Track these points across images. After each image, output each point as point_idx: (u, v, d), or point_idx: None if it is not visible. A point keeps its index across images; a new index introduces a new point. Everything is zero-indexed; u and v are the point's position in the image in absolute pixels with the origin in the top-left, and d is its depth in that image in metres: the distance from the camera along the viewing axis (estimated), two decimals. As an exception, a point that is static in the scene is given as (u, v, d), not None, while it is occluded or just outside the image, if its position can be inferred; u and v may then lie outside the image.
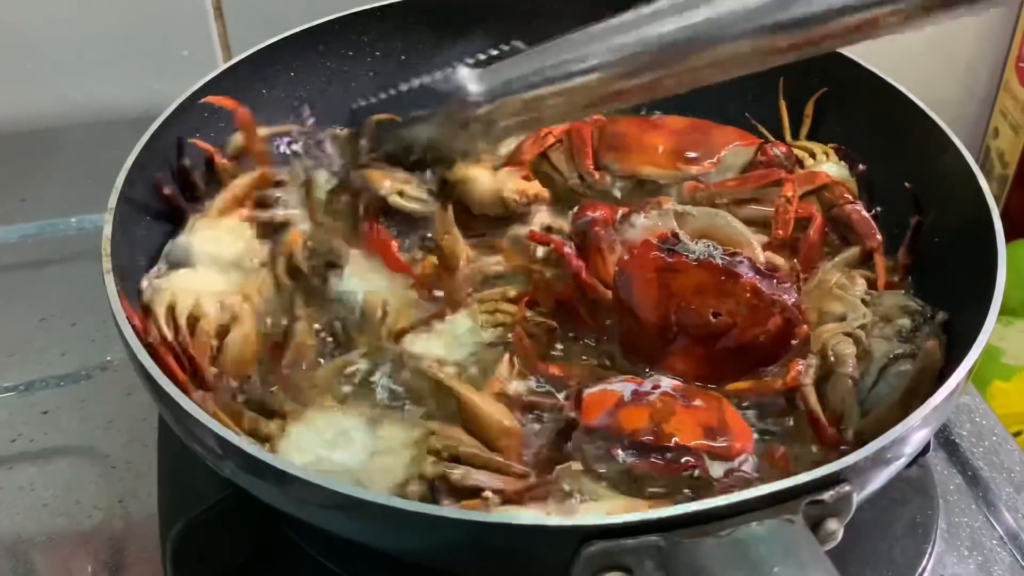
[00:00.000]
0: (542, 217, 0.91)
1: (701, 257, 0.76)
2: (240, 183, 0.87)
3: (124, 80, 1.28)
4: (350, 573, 0.75)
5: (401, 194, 0.86)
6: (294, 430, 0.70)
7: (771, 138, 1.00)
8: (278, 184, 0.89)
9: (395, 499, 0.58)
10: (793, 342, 0.78)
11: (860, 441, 0.65)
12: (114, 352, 0.96)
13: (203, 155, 0.91)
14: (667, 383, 0.75)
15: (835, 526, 0.58)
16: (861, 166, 0.95)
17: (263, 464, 0.60)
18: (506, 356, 0.78)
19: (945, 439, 0.88)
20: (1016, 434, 0.93)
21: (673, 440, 0.69)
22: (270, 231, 0.86)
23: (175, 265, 0.81)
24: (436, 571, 0.65)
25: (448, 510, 0.60)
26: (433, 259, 0.85)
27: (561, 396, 0.77)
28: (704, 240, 0.79)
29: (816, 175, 0.91)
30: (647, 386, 0.74)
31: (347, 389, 0.78)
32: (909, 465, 0.70)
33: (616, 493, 0.68)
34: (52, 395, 0.94)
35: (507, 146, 0.96)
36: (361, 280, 0.82)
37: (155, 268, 0.82)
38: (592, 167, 0.94)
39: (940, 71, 1.48)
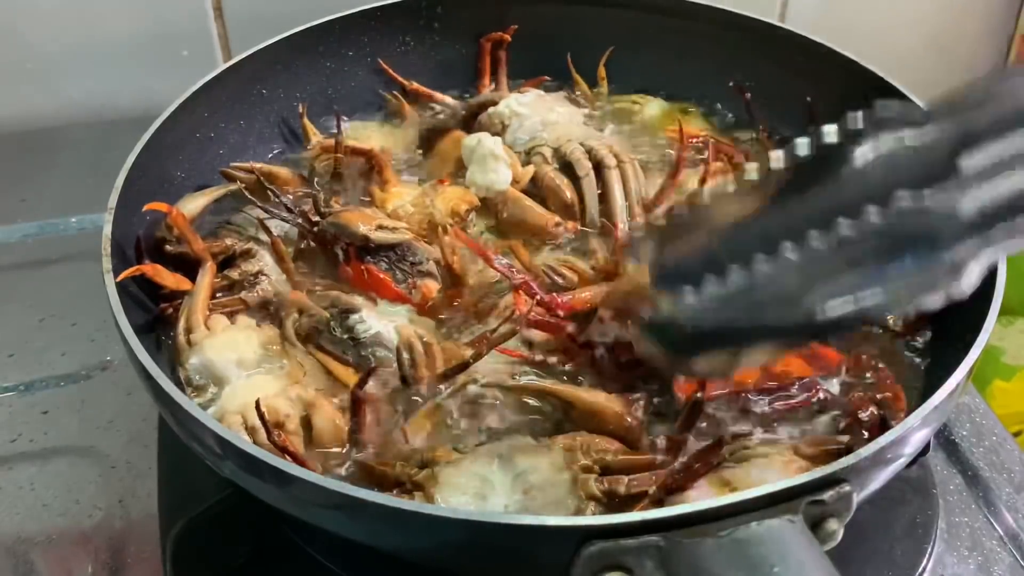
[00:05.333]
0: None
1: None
2: (201, 285, 0.81)
3: (124, 80, 1.28)
4: (350, 573, 0.75)
5: (379, 228, 0.85)
6: (439, 494, 0.67)
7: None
8: (245, 255, 0.86)
9: (395, 499, 0.58)
10: None
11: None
12: (114, 352, 0.96)
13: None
14: None
15: (835, 526, 0.58)
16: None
17: (263, 464, 0.60)
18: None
19: (945, 439, 0.88)
20: (1016, 434, 0.92)
21: (795, 379, 0.74)
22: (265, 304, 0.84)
23: (204, 387, 0.76)
24: (436, 571, 0.66)
25: (448, 510, 0.60)
26: (429, 283, 0.84)
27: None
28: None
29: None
30: None
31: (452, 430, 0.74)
32: (909, 465, 0.70)
33: (761, 451, 0.70)
34: (52, 395, 0.94)
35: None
36: (381, 317, 0.80)
37: (193, 398, 0.75)
38: None
39: (940, 71, 1.49)
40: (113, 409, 0.92)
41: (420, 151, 1.02)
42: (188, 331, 0.78)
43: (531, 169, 0.94)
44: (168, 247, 0.84)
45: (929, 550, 0.77)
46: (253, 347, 0.77)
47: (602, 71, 1.10)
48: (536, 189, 0.94)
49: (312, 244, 0.87)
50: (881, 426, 0.69)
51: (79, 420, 0.91)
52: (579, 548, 0.55)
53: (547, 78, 1.10)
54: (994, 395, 1.29)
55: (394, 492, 0.67)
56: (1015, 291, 1.03)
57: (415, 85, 1.08)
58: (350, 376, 0.77)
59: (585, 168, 0.93)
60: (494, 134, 0.97)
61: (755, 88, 1.03)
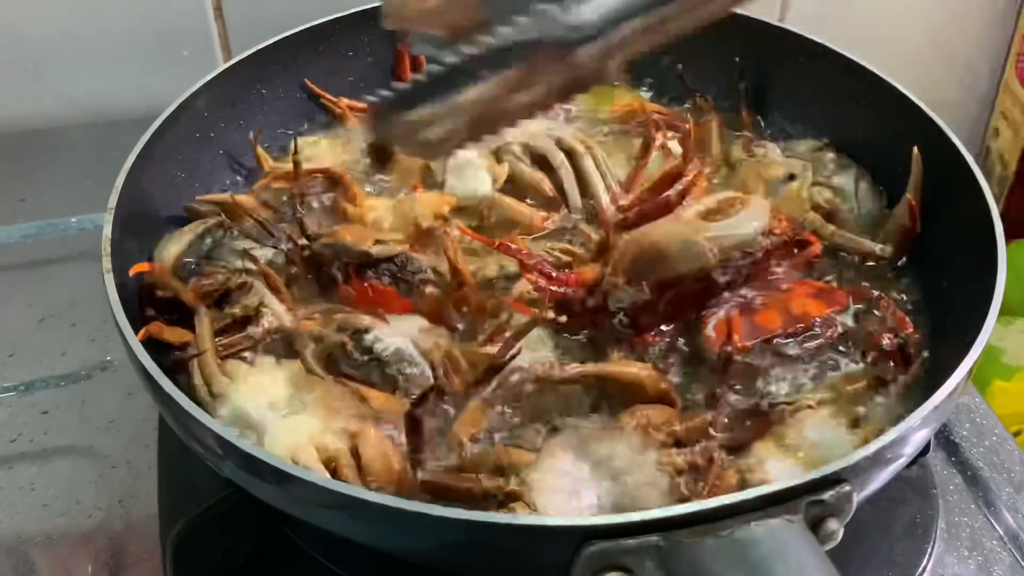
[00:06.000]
0: None
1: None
2: (203, 336, 0.77)
3: (124, 80, 1.28)
4: (350, 573, 0.75)
5: (376, 242, 0.83)
6: (538, 500, 0.65)
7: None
8: (242, 288, 0.82)
9: (395, 499, 0.58)
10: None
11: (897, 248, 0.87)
12: (114, 352, 0.96)
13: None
14: (740, 290, 0.80)
15: (835, 526, 0.58)
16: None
17: (263, 464, 0.60)
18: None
19: (945, 439, 0.88)
20: (1016, 434, 0.93)
21: (815, 319, 0.79)
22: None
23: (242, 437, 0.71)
24: (436, 571, 0.66)
25: (448, 510, 0.59)
26: (432, 291, 0.83)
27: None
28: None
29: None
30: (732, 301, 0.80)
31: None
32: (909, 465, 0.70)
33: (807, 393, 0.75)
34: (52, 395, 0.94)
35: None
36: (394, 333, 0.78)
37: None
38: None
39: (940, 71, 1.49)
40: (113, 409, 0.92)
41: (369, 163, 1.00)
42: (207, 384, 0.75)
43: (505, 167, 0.95)
44: (159, 292, 0.81)
45: (929, 550, 0.77)
46: (281, 386, 0.75)
47: None
48: (513, 187, 0.95)
49: (301, 269, 0.84)
50: (901, 351, 0.77)
51: (79, 420, 0.91)
52: (579, 548, 0.55)
53: None
54: (994, 395, 1.29)
55: (494, 508, 0.65)
56: (1015, 291, 1.04)
57: (345, 102, 1.04)
58: (381, 399, 0.75)
59: (558, 159, 0.95)
60: None
61: (754, 87, 1.04)
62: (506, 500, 0.65)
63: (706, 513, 0.55)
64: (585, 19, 0.59)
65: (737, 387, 0.76)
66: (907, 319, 0.80)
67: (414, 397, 0.72)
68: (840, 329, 0.80)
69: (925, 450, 0.79)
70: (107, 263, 0.74)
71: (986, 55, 1.48)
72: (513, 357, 0.73)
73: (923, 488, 0.81)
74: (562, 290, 0.78)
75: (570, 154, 0.95)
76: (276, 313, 0.81)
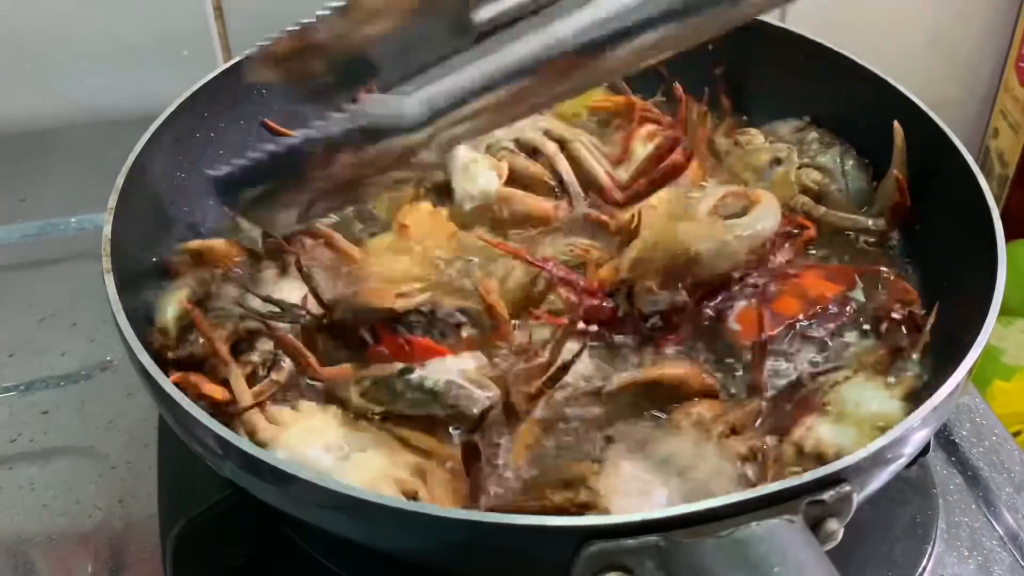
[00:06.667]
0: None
1: None
2: (240, 391, 0.74)
3: (124, 80, 1.28)
4: (350, 573, 0.75)
5: (399, 296, 0.79)
6: (612, 505, 0.65)
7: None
8: (253, 334, 0.78)
9: (395, 499, 0.58)
10: None
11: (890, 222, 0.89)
12: (114, 352, 0.96)
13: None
14: (750, 280, 0.82)
15: (835, 526, 0.58)
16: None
17: (263, 464, 0.60)
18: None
19: (945, 439, 0.88)
20: (1016, 434, 0.93)
21: (830, 299, 0.81)
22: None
23: None
24: (436, 571, 0.66)
25: (448, 510, 0.60)
26: (471, 331, 0.79)
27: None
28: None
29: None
30: (746, 291, 0.82)
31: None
32: (909, 465, 0.70)
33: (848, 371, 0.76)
34: (52, 395, 0.94)
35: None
36: (437, 372, 0.74)
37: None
38: None
39: (940, 71, 1.49)
40: (113, 409, 0.92)
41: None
42: (252, 434, 0.72)
43: (505, 163, 0.94)
44: (170, 354, 0.77)
45: (929, 550, 0.77)
46: (334, 429, 0.72)
47: None
48: (512, 183, 0.94)
49: (323, 338, 0.79)
50: (911, 318, 0.79)
51: (79, 420, 0.91)
52: (579, 548, 0.55)
53: None
54: (994, 395, 1.29)
55: None
56: (1015, 291, 1.04)
57: None
58: (434, 444, 0.73)
59: (551, 148, 0.94)
60: None
61: (755, 87, 1.04)
62: (579, 511, 0.65)
63: (706, 513, 0.55)
64: (409, 112, 0.64)
65: (770, 374, 0.77)
66: (910, 287, 0.83)
67: (470, 420, 0.71)
68: (854, 306, 0.82)
69: (925, 450, 0.79)
70: (107, 263, 0.74)
71: (986, 55, 1.48)
72: (567, 368, 0.72)
73: (923, 488, 0.82)
74: (595, 302, 0.79)
75: (560, 143, 0.95)
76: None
